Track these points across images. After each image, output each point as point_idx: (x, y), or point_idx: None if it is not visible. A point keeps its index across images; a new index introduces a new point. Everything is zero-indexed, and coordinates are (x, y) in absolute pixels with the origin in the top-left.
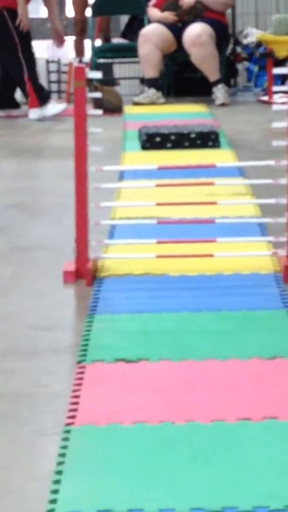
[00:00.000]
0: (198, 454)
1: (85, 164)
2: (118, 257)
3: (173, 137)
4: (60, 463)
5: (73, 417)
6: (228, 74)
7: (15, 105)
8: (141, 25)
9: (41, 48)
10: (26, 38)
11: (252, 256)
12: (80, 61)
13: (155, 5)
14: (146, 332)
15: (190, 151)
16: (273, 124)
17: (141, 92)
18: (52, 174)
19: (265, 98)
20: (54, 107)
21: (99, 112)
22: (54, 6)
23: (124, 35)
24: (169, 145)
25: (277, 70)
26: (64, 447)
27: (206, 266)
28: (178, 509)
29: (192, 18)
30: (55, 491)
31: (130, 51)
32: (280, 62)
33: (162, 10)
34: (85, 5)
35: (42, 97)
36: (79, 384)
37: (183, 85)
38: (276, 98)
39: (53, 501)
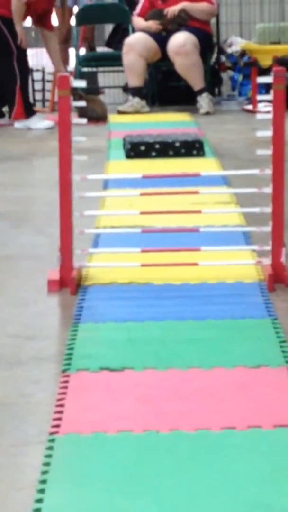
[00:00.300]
0: (182, 463)
1: (69, 173)
2: (102, 265)
3: (157, 146)
4: (44, 472)
5: (57, 426)
6: (213, 83)
7: (1, 114)
8: (125, 34)
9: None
10: (22, 48)
11: (237, 264)
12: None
13: (140, 14)
14: (131, 341)
15: (175, 160)
16: (257, 133)
17: (126, 101)
18: (36, 182)
19: (250, 107)
20: (40, 122)
21: (84, 121)
22: (57, 53)
23: (108, 44)
24: (153, 154)
25: (261, 79)
26: (48, 456)
27: (191, 275)
28: None
29: (176, 27)
30: (39, 500)
31: (114, 60)
32: (264, 71)
33: (146, 19)
34: (70, 14)
35: (28, 110)
36: (64, 393)
37: (167, 94)
38: (261, 107)
39: (37, 510)
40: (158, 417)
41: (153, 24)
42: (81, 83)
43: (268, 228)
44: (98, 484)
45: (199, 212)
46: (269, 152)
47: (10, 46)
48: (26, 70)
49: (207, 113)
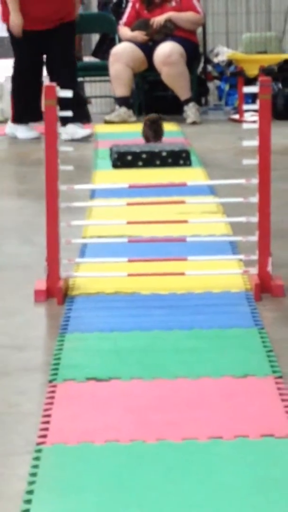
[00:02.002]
0: (169, 473)
1: (56, 183)
2: (89, 275)
3: (144, 156)
4: (31, 483)
5: (44, 436)
6: (199, 92)
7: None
8: (112, 44)
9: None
10: (20, 51)
11: (223, 274)
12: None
13: (126, 24)
14: (118, 351)
15: (161, 170)
16: (244, 142)
17: (112, 111)
18: (23, 192)
19: (236, 116)
20: (27, 131)
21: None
22: None
23: (95, 53)
24: (140, 163)
25: (248, 89)
26: (35, 466)
27: (177, 285)
28: None
29: (163, 37)
30: (26, 511)
31: (101, 70)
32: (250, 81)
33: (133, 29)
34: None
35: (17, 116)
36: (50, 403)
37: (154, 104)
38: (247, 116)
39: None
40: (145, 427)
41: (139, 35)
42: (68, 93)
43: (254, 238)
44: (84, 494)
45: (185, 221)
46: (255, 161)
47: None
48: (20, 75)
49: (194, 123)
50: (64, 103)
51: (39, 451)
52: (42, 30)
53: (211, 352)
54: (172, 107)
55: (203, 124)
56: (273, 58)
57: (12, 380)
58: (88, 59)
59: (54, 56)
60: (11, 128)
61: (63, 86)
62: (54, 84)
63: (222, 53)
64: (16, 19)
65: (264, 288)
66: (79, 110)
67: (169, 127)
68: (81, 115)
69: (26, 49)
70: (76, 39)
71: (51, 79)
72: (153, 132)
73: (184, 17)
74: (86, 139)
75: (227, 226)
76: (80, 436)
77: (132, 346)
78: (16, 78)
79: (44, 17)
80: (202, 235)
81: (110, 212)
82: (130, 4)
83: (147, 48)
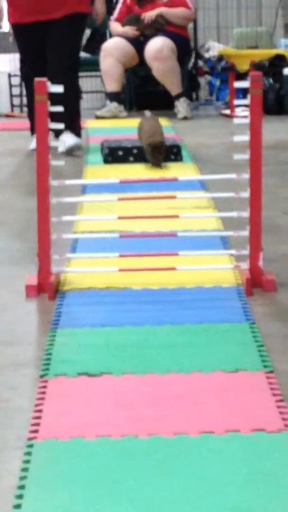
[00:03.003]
0: (161, 467)
1: (47, 178)
2: (80, 271)
3: (135, 151)
4: (22, 478)
5: (35, 431)
6: (190, 88)
7: None
8: (103, 39)
9: (4, 62)
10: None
11: (214, 269)
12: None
13: (117, 19)
14: (109, 346)
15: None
16: (235, 137)
17: (103, 106)
18: (14, 187)
19: (227, 111)
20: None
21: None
22: None
23: (86, 49)
24: (131, 158)
25: (239, 84)
26: (27, 461)
27: (169, 280)
28: None
29: (154, 32)
30: (17, 506)
31: (92, 65)
32: (241, 76)
33: (124, 24)
34: None
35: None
36: (42, 399)
37: (145, 99)
38: (238, 111)
39: None
40: (136, 422)
41: (129, 30)
42: (59, 88)
43: (245, 233)
44: (76, 489)
45: (177, 216)
46: (246, 156)
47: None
48: (26, 77)
49: (185, 118)
50: (56, 114)
51: (30, 446)
52: (40, 22)
53: (202, 347)
54: (163, 102)
55: (194, 119)
56: (264, 53)
57: (3, 375)
58: None
59: (49, 54)
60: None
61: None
62: (44, 79)
63: (213, 48)
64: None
65: (255, 283)
66: (72, 123)
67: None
68: (73, 127)
69: (26, 45)
70: None
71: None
72: (154, 159)
73: (175, 12)
74: (75, 148)
75: (218, 221)
76: (72, 431)
77: (124, 341)
78: (25, 82)
79: (39, 7)
80: (193, 230)
81: (101, 207)
82: (121, 0)
83: (138, 43)
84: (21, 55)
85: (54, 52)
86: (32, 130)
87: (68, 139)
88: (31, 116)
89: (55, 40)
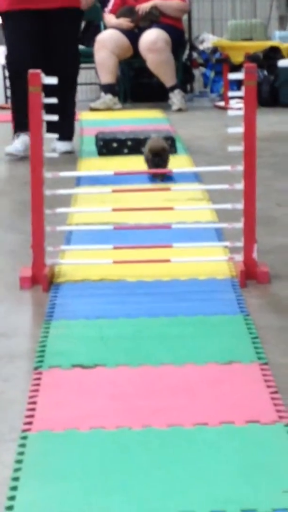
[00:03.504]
0: (155, 459)
1: (41, 170)
2: (74, 263)
3: (129, 143)
4: (16, 470)
5: (29, 423)
6: (185, 79)
7: None
8: (97, 31)
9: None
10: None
11: (209, 261)
12: None
13: (111, 11)
14: (103, 338)
15: None
16: (229, 129)
17: (98, 98)
18: (9, 179)
19: (221, 103)
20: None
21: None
22: None
23: (80, 40)
24: (125, 150)
25: (233, 76)
26: (21, 453)
27: (163, 272)
28: None
29: (148, 24)
30: (11, 498)
31: (86, 57)
32: (236, 68)
33: (118, 16)
34: None
35: (18, 122)
36: (36, 390)
37: (139, 91)
38: (232, 103)
39: (10, 508)
40: (131, 413)
41: (124, 22)
42: (53, 80)
43: (240, 225)
44: (70, 481)
45: (171, 208)
46: (240, 148)
47: None
48: (14, 69)
49: (179, 110)
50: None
51: (24, 438)
52: (36, 10)
53: (197, 339)
54: (157, 94)
55: (189, 111)
56: (258, 45)
57: None
58: None
59: (52, 48)
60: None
61: (50, 93)
62: (38, 71)
63: (208, 40)
64: None
65: (249, 274)
66: (64, 124)
67: (154, 114)
68: (64, 129)
69: (17, 35)
70: None
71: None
72: (155, 166)
73: (169, 4)
74: (66, 153)
75: (212, 213)
76: (66, 423)
77: (118, 333)
78: (11, 74)
79: None
80: (188, 222)
81: (96, 199)
82: None
83: (133, 35)
84: (10, 44)
85: (59, 48)
86: (18, 127)
87: (61, 147)
88: (19, 111)
89: (58, 35)
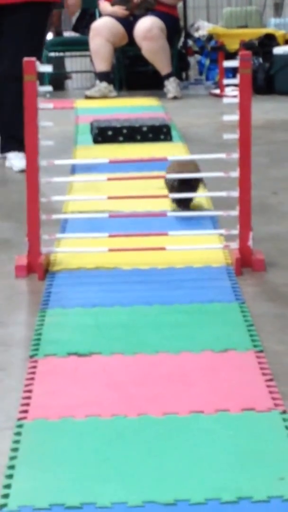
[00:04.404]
0: (150, 447)
1: (36, 158)
2: (70, 251)
3: (125, 131)
4: (12, 458)
5: (25, 411)
6: (180, 67)
7: None
8: (92, 18)
9: None
10: None
11: (204, 249)
12: None
13: None
14: (99, 326)
15: (142, 145)
16: (224, 117)
17: (93, 86)
18: (2, 167)
19: (217, 91)
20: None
21: (50, 105)
22: None
23: (75, 28)
24: (121, 138)
25: (228, 63)
26: (17, 441)
27: (158, 260)
28: (130, 502)
29: (143, 12)
30: (7, 486)
31: (81, 45)
32: (231, 55)
33: (113, 3)
34: None
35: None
36: (31, 379)
37: (134, 79)
38: (227, 91)
39: (6, 496)
40: (126, 401)
41: (119, 10)
42: (48, 68)
43: (235, 212)
44: (66, 469)
45: (166, 196)
46: (235, 136)
47: None
48: None
49: (175, 98)
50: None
51: (20, 426)
52: None
53: (192, 327)
54: (152, 82)
55: (184, 98)
56: (253, 33)
57: None
58: (68, 34)
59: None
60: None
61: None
62: (33, 58)
63: (203, 28)
64: None
65: (245, 262)
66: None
67: (149, 102)
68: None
69: None
70: (56, 14)
71: None
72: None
73: None
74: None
75: (208, 201)
76: (61, 411)
77: (113, 321)
78: None
79: None
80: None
81: (91, 187)
82: None
83: (128, 22)
84: None
85: (9, 45)
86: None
87: (18, 162)
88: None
89: (11, 30)
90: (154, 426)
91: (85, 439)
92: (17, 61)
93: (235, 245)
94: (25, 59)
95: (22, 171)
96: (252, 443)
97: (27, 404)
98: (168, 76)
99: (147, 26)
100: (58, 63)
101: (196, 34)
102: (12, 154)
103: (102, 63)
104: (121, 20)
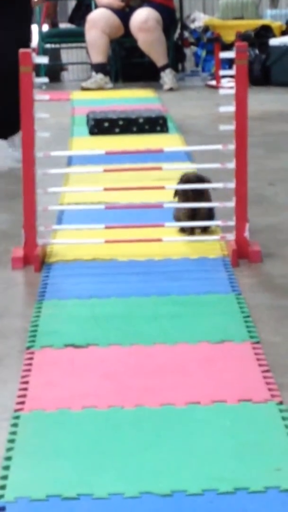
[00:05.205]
0: (147, 438)
1: (32, 150)
2: (66, 242)
3: (121, 122)
4: (9, 449)
5: (22, 403)
6: (176, 59)
7: None
8: (88, 10)
9: None
10: None
11: (201, 240)
12: None
13: None
14: (95, 317)
15: (138, 136)
16: (220, 108)
17: (89, 77)
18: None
19: (213, 82)
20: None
21: (46, 97)
22: None
23: (71, 20)
24: (117, 130)
25: (224, 55)
26: (13, 433)
27: (155, 251)
28: (127, 493)
29: (139, 3)
30: (4, 477)
31: (77, 36)
32: (227, 47)
33: None
34: None
35: None
36: (28, 370)
37: (131, 70)
38: (224, 82)
39: (3, 487)
40: (123, 393)
41: (115, 1)
42: (44, 60)
43: (231, 204)
44: (63, 459)
45: (162, 188)
46: (232, 127)
47: None
48: None
49: (171, 89)
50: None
51: (17, 417)
52: None
53: (189, 318)
54: (149, 74)
55: (180, 90)
56: (249, 24)
57: None
58: (64, 25)
59: None
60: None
61: None
62: (29, 50)
63: (199, 19)
64: None
65: (241, 254)
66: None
67: (145, 93)
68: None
69: None
70: (52, 5)
71: None
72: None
73: None
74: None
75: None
76: (58, 402)
77: (110, 312)
78: None
79: None
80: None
81: (87, 179)
82: None
83: (124, 14)
84: None
85: None
86: None
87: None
88: None
89: None
90: (151, 417)
91: (82, 431)
92: None
93: (231, 236)
94: (21, 50)
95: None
96: (248, 434)
97: (24, 396)
98: (164, 67)
99: (143, 17)
100: (54, 55)
101: (192, 26)
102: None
103: (98, 55)
104: (117, 11)
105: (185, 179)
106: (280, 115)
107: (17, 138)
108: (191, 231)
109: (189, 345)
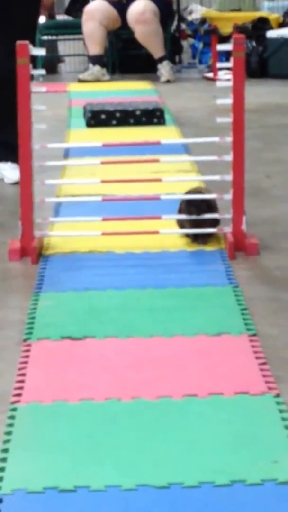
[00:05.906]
0: (144, 430)
1: (29, 142)
2: (63, 234)
3: (118, 114)
4: (6, 441)
5: (19, 395)
6: (173, 51)
7: None
8: (85, 2)
9: None
10: None
11: (198, 233)
12: None
13: None
14: (92, 310)
15: (135, 128)
16: (217, 100)
17: (86, 69)
18: None
19: (210, 74)
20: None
21: (43, 89)
22: None
23: (68, 12)
24: (114, 122)
25: (221, 47)
26: (10, 425)
27: (152, 243)
28: (124, 486)
29: None
30: (1, 469)
31: (74, 28)
32: (224, 39)
33: None
34: None
35: None
36: (25, 362)
37: (128, 62)
38: (221, 74)
39: None
40: (120, 385)
41: None
42: (41, 51)
43: (229, 196)
44: (60, 452)
45: (159, 180)
46: (229, 119)
47: None
48: None
49: (168, 81)
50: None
51: (14, 410)
52: None
53: (186, 311)
54: (146, 66)
55: (177, 82)
56: (247, 16)
57: None
58: (61, 17)
59: None
60: None
61: None
62: (26, 42)
63: (196, 11)
64: None
65: (238, 246)
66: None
67: (143, 85)
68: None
69: None
70: None
71: None
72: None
73: None
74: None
75: (201, 185)
76: (55, 394)
77: (107, 305)
78: None
79: None
80: (176, 193)
81: (84, 171)
82: None
83: (121, 6)
84: None
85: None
86: None
87: (10, 173)
88: None
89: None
90: (148, 410)
91: (79, 423)
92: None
93: (228, 229)
94: (18, 42)
95: (15, 183)
96: (245, 427)
97: (21, 388)
98: (161, 59)
99: (140, 9)
100: (51, 47)
101: (189, 18)
102: (3, 164)
103: (95, 47)
104: (114, 3)
105: (187, 201)
106: (277, 107)
107: None
108: (194, 238)
109: (186, 337)
